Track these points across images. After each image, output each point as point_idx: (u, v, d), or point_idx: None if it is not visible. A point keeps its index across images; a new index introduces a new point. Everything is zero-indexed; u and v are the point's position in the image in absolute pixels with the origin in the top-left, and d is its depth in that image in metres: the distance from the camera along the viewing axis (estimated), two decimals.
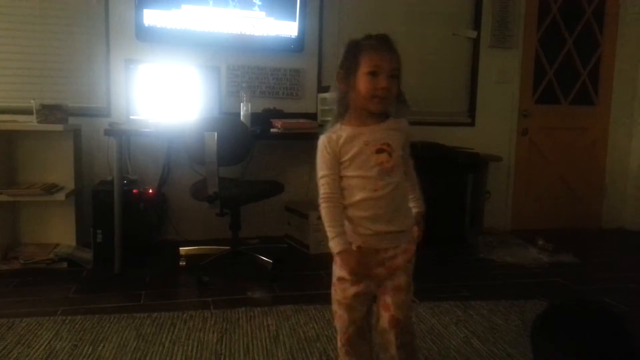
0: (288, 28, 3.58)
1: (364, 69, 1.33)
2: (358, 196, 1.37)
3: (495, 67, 4.10)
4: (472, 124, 4.11)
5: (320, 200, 1.37)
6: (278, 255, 3.02)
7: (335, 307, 1.47)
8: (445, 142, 3.68)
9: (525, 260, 3.27)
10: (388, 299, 1.43)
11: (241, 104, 3.18)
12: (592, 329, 1.08)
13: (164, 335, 2.04)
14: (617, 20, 4.29)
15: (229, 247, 3.00)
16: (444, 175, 3.55)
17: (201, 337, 2.04)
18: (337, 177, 1.38)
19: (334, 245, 1.34)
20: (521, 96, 4.19)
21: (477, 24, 4.04)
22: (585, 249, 3.67)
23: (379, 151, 1.36)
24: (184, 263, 2.98)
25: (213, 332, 2.08)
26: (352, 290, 1.42)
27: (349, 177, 1.37)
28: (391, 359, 1.46)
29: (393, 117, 1.42)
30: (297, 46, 3.63)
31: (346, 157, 1.36)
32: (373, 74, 1.32)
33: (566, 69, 4.28)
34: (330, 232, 1.35)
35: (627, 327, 1.07)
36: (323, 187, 1.37)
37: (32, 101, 2.99)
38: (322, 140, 1.39)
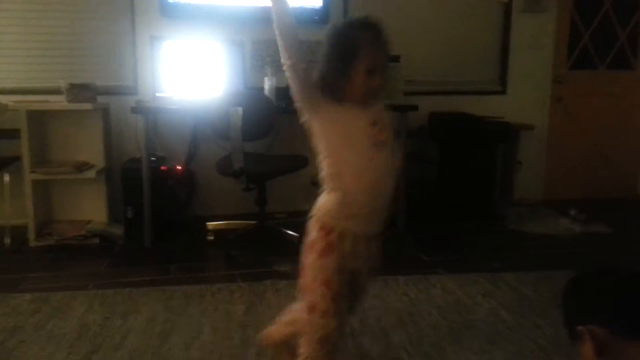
0: None
1: (362, 66, 1.30)
2: (352, 165, 1.34)
3: (527, 32, 3.93)
4: (503, 92, 3.98)
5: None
6: (305, 230, 3.02)
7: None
8: (475, 112, 3.59)
9: (557, 231, 3.20)
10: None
11: (265, 78, 3.16)
12: (629, 295, 1.05)
13: (192, 307, 2.09)
14: None
15: (255, 222, 3.02)
16: (474, 146, 3.48)
17: (228, 308, 2.08)
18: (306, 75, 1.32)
19: None
20: (555, 62, 4.02)
21: None
22: (620, 219, 3.55)
23: (373, 124, 1.34)
24: (212, 238, 3.02)
25: (240, 304, 2.12)
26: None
27: (344, 144, 1.34)
28: None
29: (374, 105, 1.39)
30: (321, 17, 3.57)
31: (339, 115, 1.34)
32: (370, 72, 1.31)
33: (603, 32, 4.08)
34: None
35: None
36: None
37: (61, 81, 3.05)
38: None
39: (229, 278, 2.45)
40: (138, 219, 2.98)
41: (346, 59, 1.31)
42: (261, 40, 3.58)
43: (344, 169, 1.34)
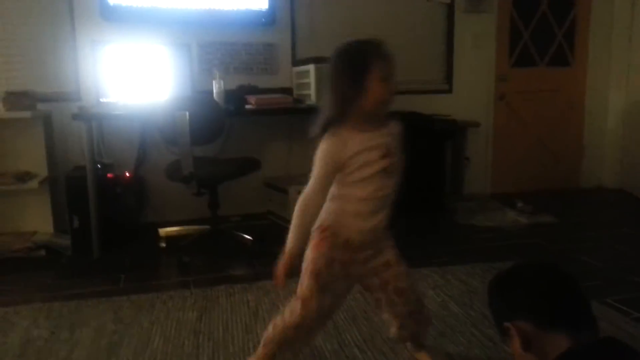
0: (258, 1, 3.50)
1: (376, 74, 1.35)
2: (361, 195, 1.41)
3: (470, 32, 4.06)
4: (449, 91, 4.10)
5: (301, 196, 1.41)
6: (260, 232, 3.02)
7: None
8: (423, 110, 3.67)
9: (504, 223, 3.31)
10: (385, 276, 1.50)
11: (213, 81, 3.13)
12: (544, 287, 1.09)
13: (143, 317, 2.04)
14: None
15: (209, 226, 2.99)
16: (423, 144, 3.54)
17: (180, 316, 2.05)
18: (329, 183, 1.41)
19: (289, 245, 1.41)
20: (497, 60, 4.17)
21: None
22: (564, 209, 3.72)
23: (384, 156, 1.40)
24: (164, 244, 2.97)
25: (192, 311, 2.09)
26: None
27: (355, 181, 1.40)
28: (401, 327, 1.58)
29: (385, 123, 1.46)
30: (268, 19, 3.56)
31: (354, 167, 1.39)
32: (385, 80, 1.36)
33: (541, 31, 4.26)
34: (292, 233, 1.41)
35: (580, 287, 1.09)
36: (310, 186, 1.41)
37: None
38: (326, 146, 1.39)
39: (182, 285, 2.41)
40: (85, 229, 2.89)
41: (359, 70, 1.35)
42: (208, 43, 3.54)
43: (355, 196, 1.42)
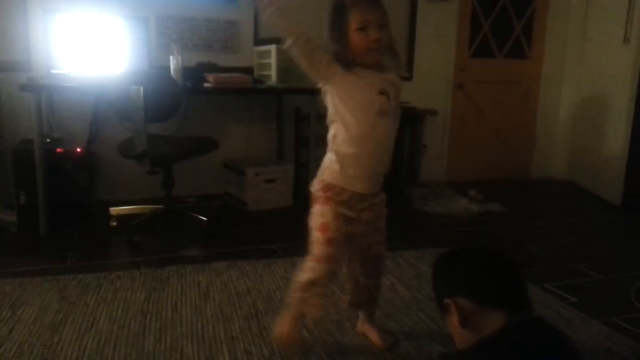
0: None
1: (353, 25, 1.39)
2: (354, 129, 1.43)
3: (432, 20, 4.10)
4: (409, 79, 4.13)
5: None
6: (215, 213, 2.99)
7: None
8: None
9: (456, 210, 3.39)
10: (372, 239, 1.59)
11: (171, 57, 3.05)
12: (485, 267, 1.16)
13: (89, 297, 2.00)
14: None
15: (162, 207, 2.94)
16: None
17: (128, 296, 2.01)
18: (318, 57, 1.39)
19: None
20: (457, 50, 4.23)
21: None
22: (514, 199, 3.84)
23: (381, 93, 1.44)
24: (115, 224, 2.90)
25: (141, 292, 2.06)
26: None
27: (350, 109, 1.43)
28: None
29: (388, 70, 1.50)
30: None
31: (349, 85, 1.42)
32: (363, 29, 1.38)
33: (501, 23, 4.34)
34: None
35: (518, 270, 1.15)
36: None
37: None
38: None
39: (132, 265, 2.37)
40: (32, 205, 2.79)
41: (337, 22, 1.40)
42: (167, 16, 3.44)
43: (346, 133, 1.44)
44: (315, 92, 3.24)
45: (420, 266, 2.39)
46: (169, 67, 3.05)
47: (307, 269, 1.49)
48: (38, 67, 3.16)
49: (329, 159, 1.50)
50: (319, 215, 1.49)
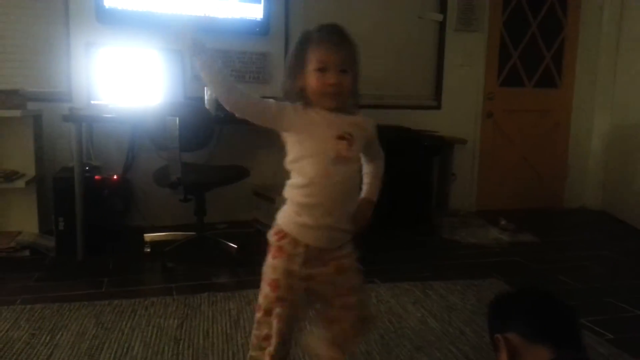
0: (253, 10, 3.54)
1: (312, 65, 1.28)
2: (308, 177, 1.31)
3: (460, 50, 4.13)
4: (438, 107, 4.16)
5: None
6: (245, 240, 3.04)
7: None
8: (412, 126, 3.72)
9: (487, 240, 3.36)
10: (349, 300, 1.40)
11: (205, 88, 3.15)
12: (536, 306, 1.20)
13: (124, 322, 2.05)
14: (580, 4, 4.36)
15: (194, 233, 3.00)
16: (410, 159, 3.59)
17: (161, 323, 2.06)
18: (261, 109, 1.34)
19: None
20: (486, 79, 4.24)
21: (442, 7, 4.05)
22: (546, 229, 3.78)
23: (340, 138, 1.31)
24: (149, 250, 2.97)
25: (174, 318, 2.10)
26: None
27: (304, 155, 1.32)
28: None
29: (353, 113, 1.36)
30: (262, 29, 3.61)
31: (303, 130, 1.31)
32: (321, 70, 1.28)
33: (530, 52, 4.35)
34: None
35: (578, 320, 1.22)
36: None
37: None
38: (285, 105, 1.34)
39: (165, 291, 2.42)
40: (70, 231, 2.88)
41: (298, 61, 1.31)
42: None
43: (300, 180, 1.32)
44: None
45: (451, 298, 2.37)
46: (202, 98, 3.15)
47: (258, 325, 1.35)
48: (79, 98, 3.30)
49: (285, 207, 1.37)
50: (270, 269, 1.34)
